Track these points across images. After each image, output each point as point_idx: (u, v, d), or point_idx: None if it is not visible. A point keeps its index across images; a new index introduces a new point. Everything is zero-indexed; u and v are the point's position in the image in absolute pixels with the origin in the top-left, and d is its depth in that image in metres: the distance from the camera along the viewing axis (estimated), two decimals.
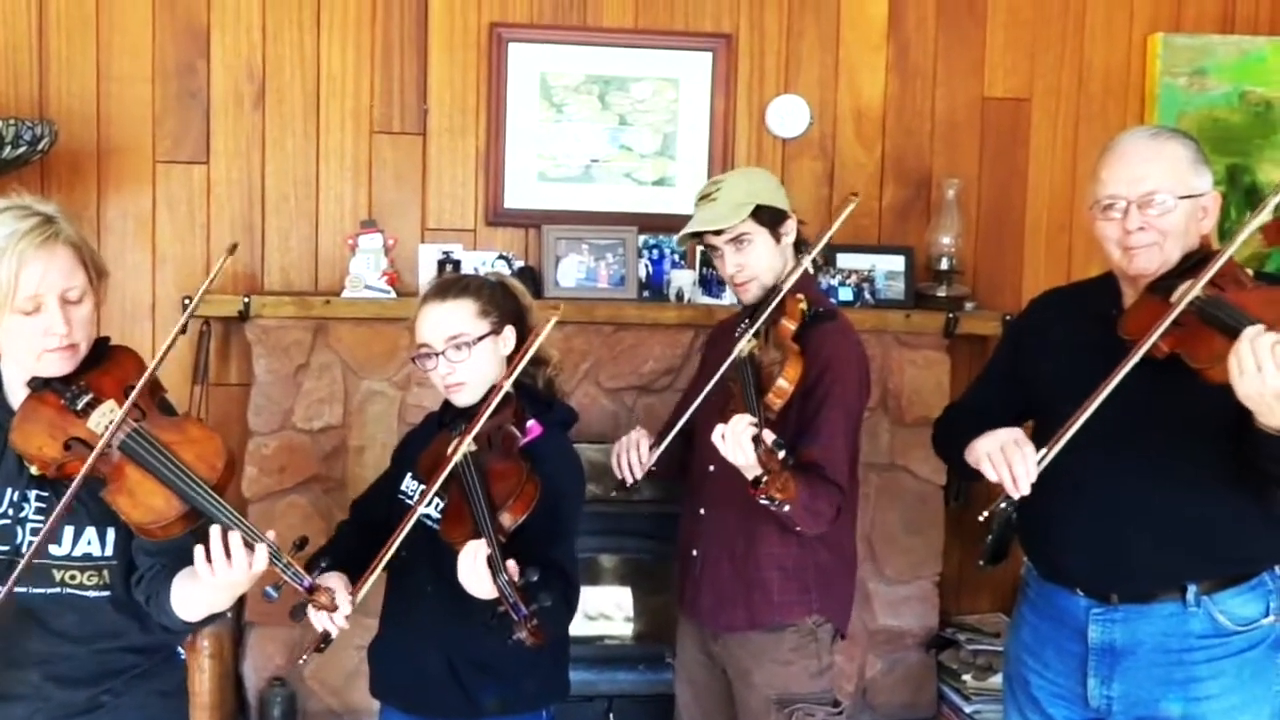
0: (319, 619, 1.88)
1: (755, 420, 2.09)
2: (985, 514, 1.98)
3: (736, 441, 2.07)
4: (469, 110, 3.54)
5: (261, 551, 1.67)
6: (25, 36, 3.36)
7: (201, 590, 1.74)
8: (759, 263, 2.42)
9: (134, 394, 1.73)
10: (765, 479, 2.04)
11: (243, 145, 3.47)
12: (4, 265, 1.67)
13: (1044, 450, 1.90)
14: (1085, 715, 2.08)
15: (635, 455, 2.42)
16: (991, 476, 1.94)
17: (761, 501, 2.10)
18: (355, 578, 1.97)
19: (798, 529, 2.27)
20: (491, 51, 3.51)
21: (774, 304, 2.33)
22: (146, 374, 1.76)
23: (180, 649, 1.99)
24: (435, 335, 2.12)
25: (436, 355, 2.12)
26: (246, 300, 3.26)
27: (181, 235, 3.47)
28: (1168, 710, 1.98)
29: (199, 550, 1.67)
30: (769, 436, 2.06)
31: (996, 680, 3.37)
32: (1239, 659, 1.97)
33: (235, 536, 1.66)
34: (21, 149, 3.05)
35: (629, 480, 2.42)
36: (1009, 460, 1.91)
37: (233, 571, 1.66)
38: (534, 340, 2.06)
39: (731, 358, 2.28)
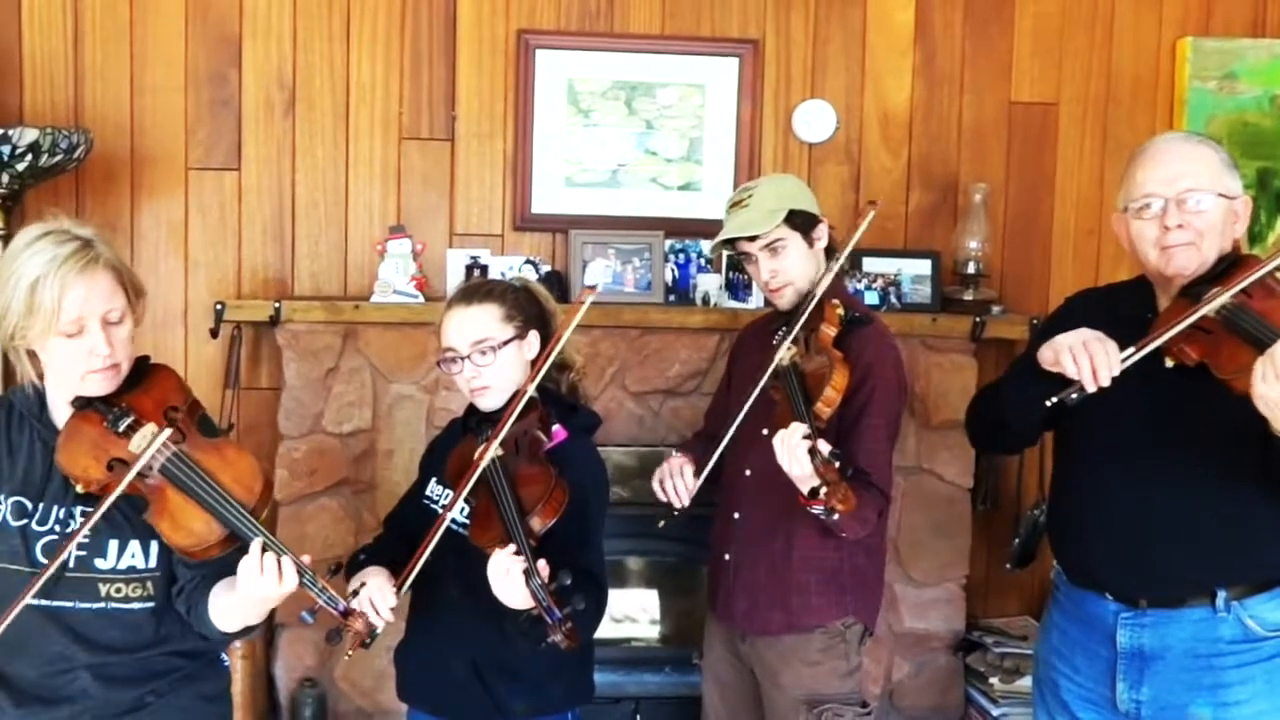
0: (366, 611, 1.92)
1: (808, 431, 2.08)
2: (1054, 399, 1.90)
3: (792, 453, 2.06)
4: (497, 116, 3.57)
5: (290, 569, 1.70)
6: (61, 47, 3.41)
7: (236, 603, 1.77)
8: (793, 268, 2.42)
9: (174, 424, 1.78)
10: (825, 490, 2.02)
11: (273, 152, 3.51)
12: (47, 290, 1.71)
13: (1130, 350, 1.87)
14: (1114, 719, 2.07)
15: (681, 482, 2.42)
16: (1070, 370, 1.88)
17: (814, 511, 2.09)
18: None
19: (843, 535, 2.27)
20: (519, 58, 3.54)
21: (810, 310, 2.33)
22: (185, 403, 1.82)
23: (224, 654, 2.02)
24: (460, 339, 2.15)
25: (462, 359, 2.14)
26: (277, 305, 3.30)
27: (213, 241, 3.51)
28: (1197, 714, 1.98)
29: (244, 561, 1.71)
30: (825, 447, 2.05)
31: (1023, 683, 3.36)
32: (1269, 664, 1.96)
33: (270, 555, 1.70)
34: (58, 157, 3.11)
35: (677, 506, 2.41)
36: (1091, 353, 1.87)
37: (265, 585, 1.70)
38: (558, 341, 2.08)
39: (772, 366, 2.27)
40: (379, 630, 1.95)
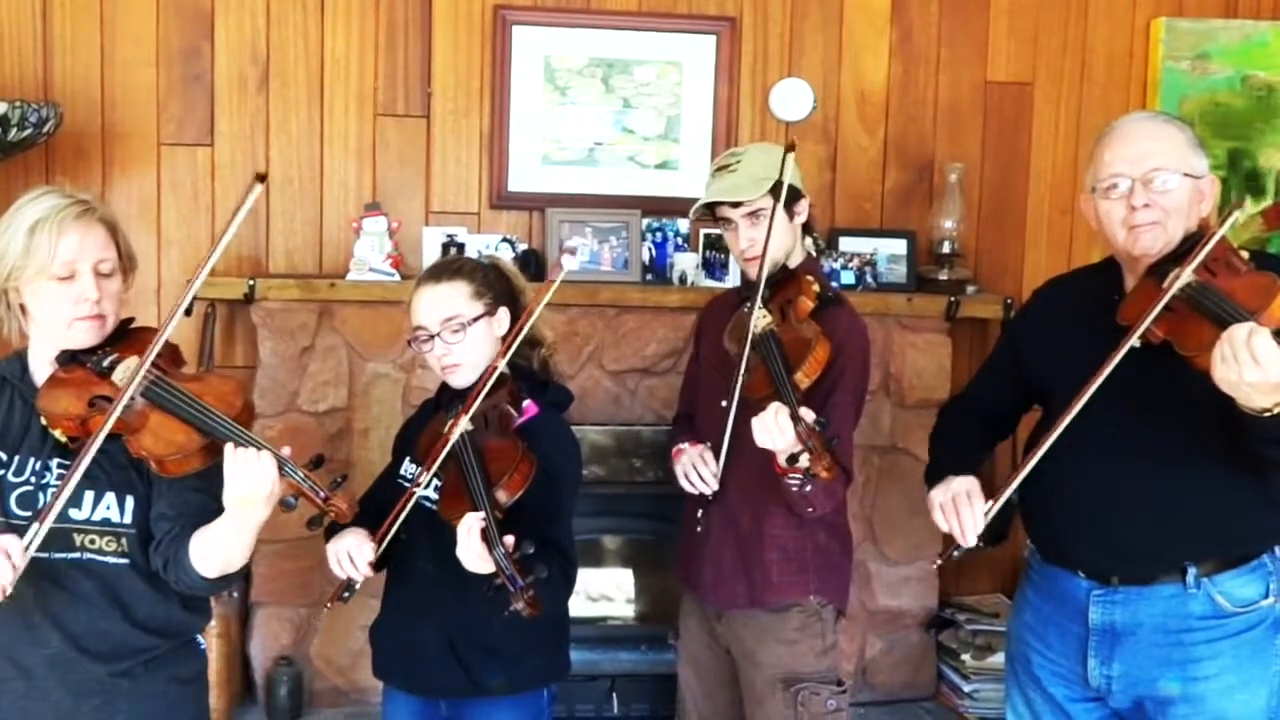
0: (345, 566, 2.00)
1: (788, 398, 2.08)
2: (939, 560, 2.07)
3: (773, 428, 2.05)
4: (473, 93, 3.55)
5: (268, 458, 1.72)
6: (29, 19, 3.36)
7: (220, 532, 1.78)
8: (772, 239, 2.42)
9: (157, 343, 1.79)
10: (809, 457, 2.02)
11: (247, 128, 3.48)
12: (45, 234, 1.80)
13: (991, 502, 1.98)
14: (1085, 695, 2.10)
15: (705, 469, 2.39)
16: (942, 527, 2.02)
17: (791, 481, 2.09)
18: None
19: (810, 510, 2.27)
20: (495, 34, 3.52)
21: (786, 282, 2.32)
22: (169, 325, 1.81)
23: (200, 637, 2.01)
24: (430, 317, 2.15)
25: (432, 338, 2.14)
26: (251, 283, 3.27)
27: (186, 218, 3.48)
28: (1167, 690, 2.00)
29: (226, 455, 1.72)
30: (808, 414, 2.05)
31: (995, 660, 3.40)
32: (1237, 640, 1.99)
33: (251, 450, 1.72)
34: (27, 131, 3.07)
35: (708, 492, 2.39)
36: (958, 511, 1.99)
37: (252, 480, 1.71)
38: (529, 316, 2.09)
39: (750, 335, 2.25)
40: (357, 584, 2.01)
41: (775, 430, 2.06)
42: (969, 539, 1.98)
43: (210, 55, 3.44)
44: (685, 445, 2.48)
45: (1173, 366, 1.84)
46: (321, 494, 1.78)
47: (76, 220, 1.82)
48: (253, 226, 3.49)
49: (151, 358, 1.78)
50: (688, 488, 2.43)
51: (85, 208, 1.85)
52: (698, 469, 2.40)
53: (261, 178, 1.82)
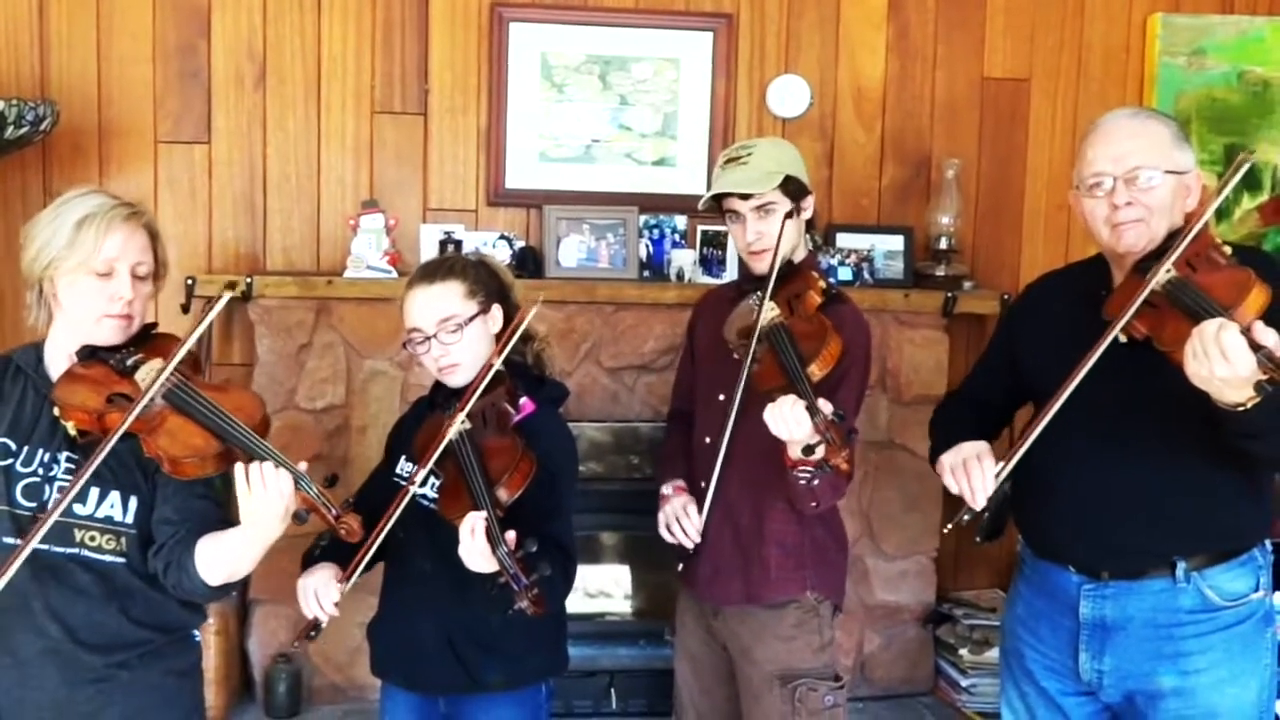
0: (310, 605, 2.00)
1: (804, 390, 2.07)
2: (949, 526, 2.06)
3: (789, 418, 2.04)
4: (470, 90, 3.55)
5: (285, 474, 1.75)
6: (26, 16, 3.36)
7: (232, 543, 1.79)
8: (778, 233, 2.41)
9: (183, 348, 1.82)
10: (826, 448, 2.02)
11: (244, 125, 3.48)
12: (93, 227, 1.85)
13: (1001, 463, 1.98)
14: (1077, 688, 2.11)
15: (688, 523, 2.41)
16: (953, 489, 2.02)
17: (802, 475, 2.09)
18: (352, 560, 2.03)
19: (814, 505, 2.27)
20: (493, 31, 3.52)
21: (791, 277, 2.33)
22: (196, 333, 1.84)
23: (196, 631, 2.03)
24: (426, 319, 2.14)
25: (429, 339, 2.14)
26: (249, 280, 3.27)
27: (183, 215, 3.48)
28: (1158, 684, 2.01)
29: (239, 473, 1.75)
30: (826, 406, 2.04)
31: (992, 654, 3.40)
32: (1227, 634, 1.99)
33: (269, 465, 1.75)
34: (24, 129, 3.07)
35: (691, 546, 2.41)
36: (968, 474, 1.99)
37: (270, 496, 1.73)
38: (519, 324, 2.09)
39: (759, 327, 2.24)
40: (324, 625, 2.02)
41: (791, 420, 2.05)
42: (979, 500, 1.98)
43: (207, 52, 3.44)
44: (669, 492, 2.49)
45: (1161, 363, 1.85)
46: (334, 511, 1.80)
47: (124, 222, 1.88)
48: (250, 224, 3.49)
49: (176, 361, 1.80)
50: (668, 539, 2.45)
51: (133, 211, 1.91)
52: (680, 522, 2.42)
53: (231, 285, 1.95)
